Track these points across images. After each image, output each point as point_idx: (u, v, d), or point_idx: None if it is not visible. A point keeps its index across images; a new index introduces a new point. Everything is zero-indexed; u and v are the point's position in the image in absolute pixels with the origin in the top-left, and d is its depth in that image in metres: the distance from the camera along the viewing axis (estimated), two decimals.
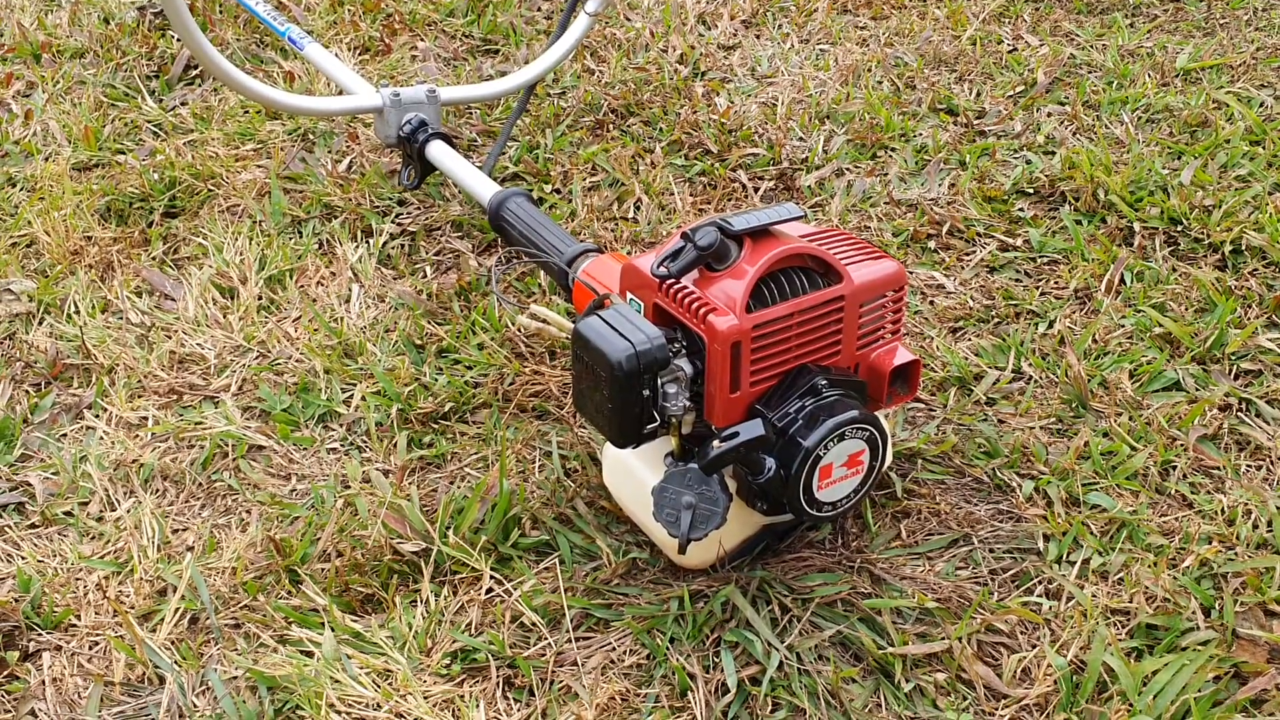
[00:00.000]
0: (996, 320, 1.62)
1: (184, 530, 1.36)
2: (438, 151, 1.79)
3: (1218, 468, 1.36)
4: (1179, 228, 1.75)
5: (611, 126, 2.10)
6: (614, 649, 1.19)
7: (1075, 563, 1.26)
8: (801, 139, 2.04)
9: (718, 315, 1.11)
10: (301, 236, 1.83)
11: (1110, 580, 1.24)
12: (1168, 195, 1.81)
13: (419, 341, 1.61)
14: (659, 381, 1.12)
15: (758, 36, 2.43)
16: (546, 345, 1.58)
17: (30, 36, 2.44)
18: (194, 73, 2.33)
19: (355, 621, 1.22)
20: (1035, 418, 1.44)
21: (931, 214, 1.81)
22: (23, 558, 1.32)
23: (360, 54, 2.40)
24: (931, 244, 1.77)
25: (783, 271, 1.15)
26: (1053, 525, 1.29)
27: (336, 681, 1.15)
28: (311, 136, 2.10)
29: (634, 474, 1.25)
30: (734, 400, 1.14)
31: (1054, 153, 1.95)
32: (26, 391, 1.56)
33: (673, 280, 1.15)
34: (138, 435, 1.48)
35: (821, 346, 1.17)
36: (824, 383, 1.15)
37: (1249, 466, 1.37)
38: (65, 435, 1.50)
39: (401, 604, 1.24)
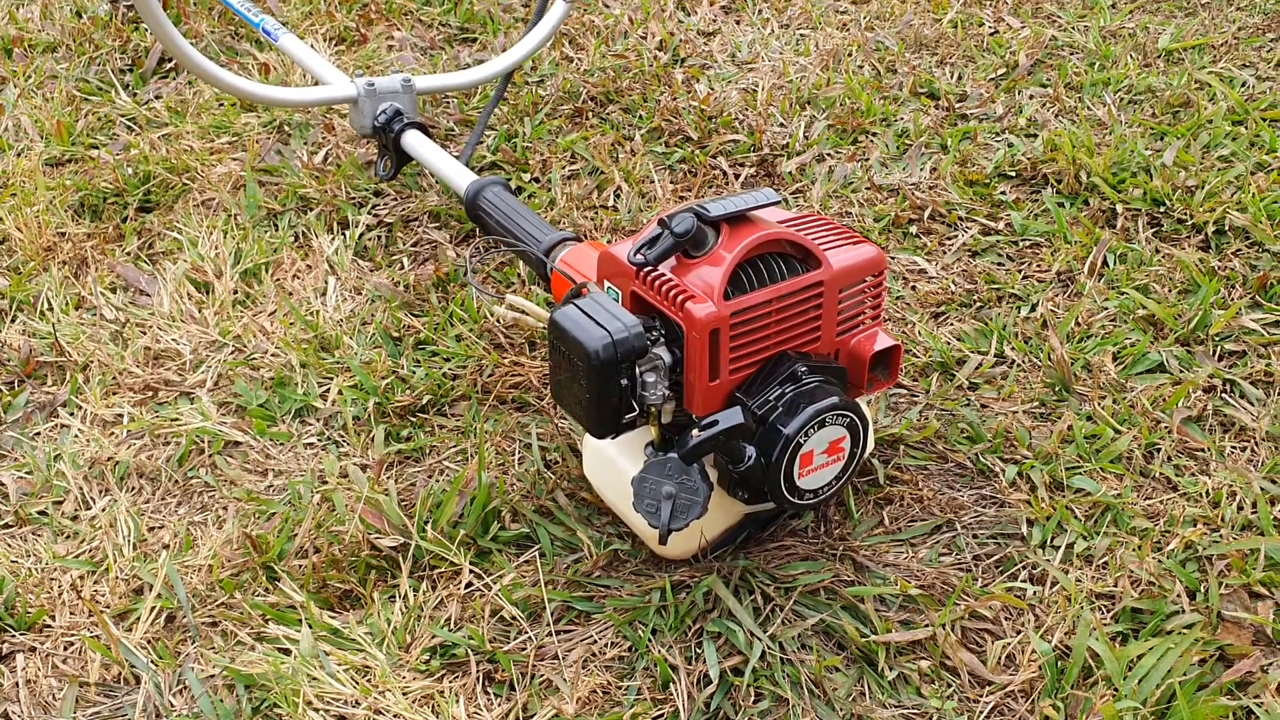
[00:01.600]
0: (978, 304, 1.61)
1: (160, 528, 1.34)
2: (413, 141, 1.77)
3: (1202, 450, 1.36)
4: (1162, 209, 1.74)
5: (590, 114, 2.08)
6: (595, 641, 1.18)
7: (1059, 547, 1.25)
8: (782, 125, 2.02)
9: (696, 303, 1.09)
10: (277, 229, 1.81)
11: (1095, 564, 1.23)
12: (1150, 176, 1.80)
13: (396, 334, 1.59)
14: (637, 370, 1.10)
15: (737, 22, 2.41)
16: (525, 336, 1.56)
17: (1, 30, 2.41)
18: (168, 66, 2.30)
19: (333, 618, 1.20)
20: (1018, 402, 1.43)
21: (913, 198, 1.80)
22: None
23: (336, 44, 2.37)
24: (913, 229, 1.75)
25: (761, 258, 1.13)
26: (1036, 510, 1.28)
27: (314, 679, 1.13)
28: (287, 128, 2.07)
29: (614, 464, 1.24)
30: (713, 388, 1.12)
31: (1036, 135, 1.94)
32: None
33: (650, 268, 1.14)
34: (113, 433, 1.46)
35: (801, 333, 1.16)
36: (804, 369, 1.14)
37: (1233, 448, 1.36)
38: (39, 434, 1.48)
39: (380, 600, 1.22)
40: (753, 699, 1.12)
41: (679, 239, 1.11)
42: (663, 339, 1.13)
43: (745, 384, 1.14)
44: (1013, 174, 1.86)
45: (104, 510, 1.36)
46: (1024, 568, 1.23)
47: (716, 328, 1.10)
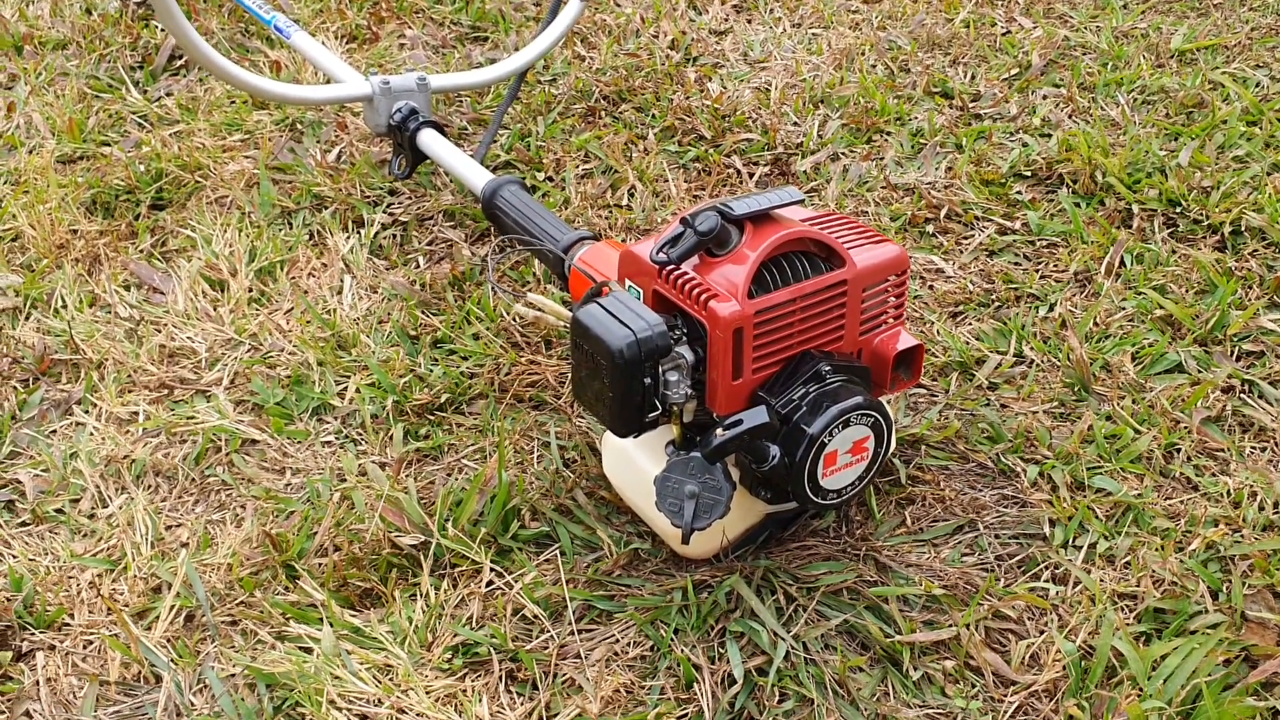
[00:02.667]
0: (997, 304, 1.60)
1: (178, 526, 1.34)
2: (429, 140, 1.77)
3: (1222, 450, 1.35)
4: (1178, 209, 1.74)
5: (604, 113, 2.08)
6: (617, 641, 1.18)
7: (1081, 547, 1.24)
8: (796, 124, 2.02)
9: (719, 301, 1.09)
10: (291, 227, 1.81)
11: (1117, 564, 1.22)
12: (1166, 176, 1.79)
13: (413, 332, 1.59)
14: (660, 369, 1.10)
15: (749, 21, 2.41)
16: (543, 334, 1.56)
17: (11, 28, 2.41)
18: (179, 63, 2.30)
19: (354, 616, 1.20)
20: (1038, 402, 1.43)
21: (929, 198, 1.80)
22: (14, 556, 1.30)
23: (347, 42, 2.37)
24: (930, 228, 1.75)
25: (784, 256, 1.13)
26: (1058, 510, 1.28)
27: (336, 678, 1.13)
28: (300, 126, 2.07)
29: (635, 463, 1.23)
30: (736, 387, 1.12)
31: (1050, 135, 1.94)
32: (14, 388, 1.54)
33: (673, 266, 1.13)
34: (128, 430, 1.46)
35: (824, 332, 1.15)
36: (827, 369, 1.13)
37: (1253, 448, 1.36)
38: (55, 431, 1.47)
39: (401, 598, 1.22)
40: (777, 699, 1.11)
41: (703, 237, 1.11)
42: (685, 338, 1.12)
43: (768, 383, 1.14)
44: (1028, 174, 1.86)
45: (121, 508, 1.35)
46: (1046, 568, 1.23)
47: (740, 326, 1.09)
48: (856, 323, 1.17)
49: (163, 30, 2.33)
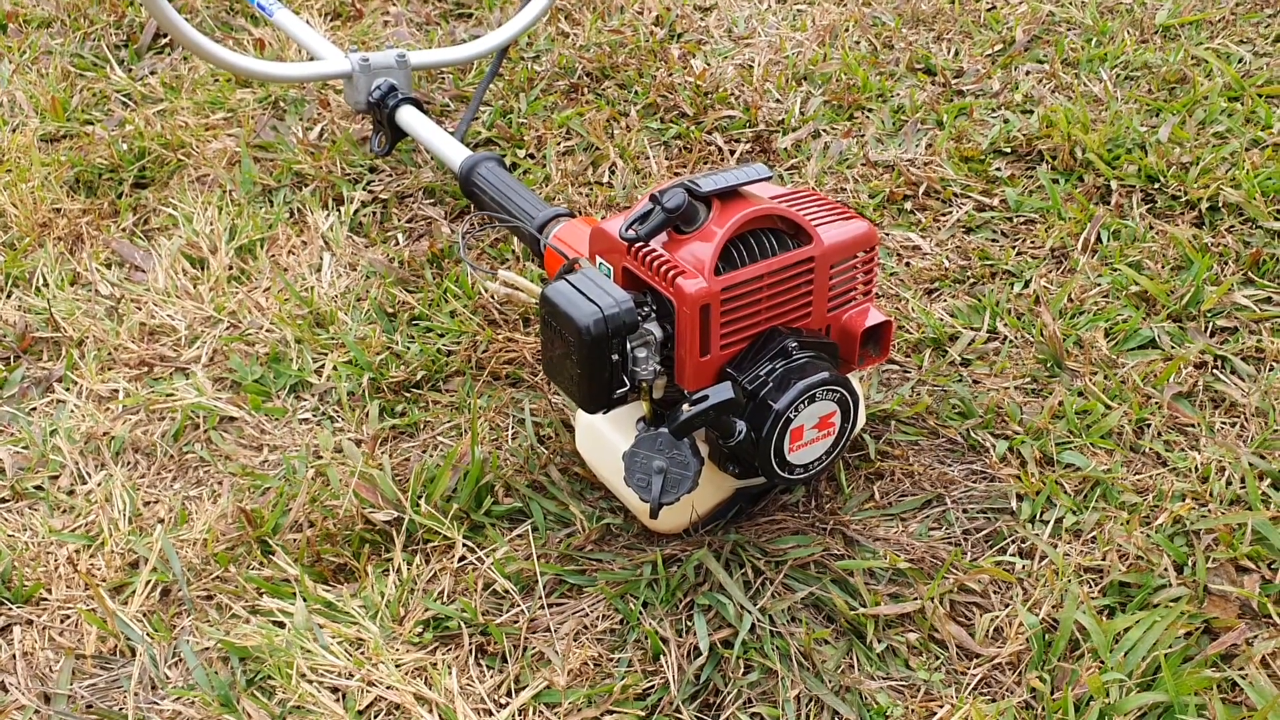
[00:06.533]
0: (972, 281, 1.61)
1: (155, 502, 1.35)
2: (408, 117, 1.77)
3: (1192, 425, 1.36)
4: (1156, 185, 1.74)
5: (586, 90, 2.08)
6: (587, 614, 1.19)
7: (1048, 522, 1.25)
8: (778, 100, 2.02)
9: (686, 278, 1.10)
10: (272, 205, 1.81)
11: (1083, 539, 1.23)
12: (1145, 153, 1.79)
13: (391, 310, 1.59)
14: (628, 346, 1.11)
15: None
16: (519, 312, 1.57)
17: None
18: (163, 42, 2.30)
19: (327, 591, 1.21)
20: (1010, 378, 1.44)
21: (908, 175, 1.80)
22: None
23: (331, 20, 2.36)
24: (908, 205, 1.75)
25: (752, 233, 1.14)
26: (1026, 485, 1.29)
27: (308, 651, 1.14)
28: (282, 104, 2.07)
29: (606, 439, 1.24)
30: (704, 364, 1.13)
31: (1032, 111, 1.94)
32: None
33: (641, 243, 1.14)
34: (108, 408, 1.47)
35: (792, 308, 1.16)
36: (794, 345, 1.14)
37: (1223, 423, 1.37)
38: (35, 409, 1.48)
39: (373, 573, 1.23)
40: (742, 671, 1.13)
41: (670, 214, 1.11)
42: (654, 314, 1.13)
43: (736, 359, 1.14)
44: (1008, 150, 1.86)
45: (100, 485, 1.36)
46: (1013, 542, 1.24)
47: (707, 303, 1.10)
48: (824, 299, 1.18)
49: (146, 9, 2.32)
